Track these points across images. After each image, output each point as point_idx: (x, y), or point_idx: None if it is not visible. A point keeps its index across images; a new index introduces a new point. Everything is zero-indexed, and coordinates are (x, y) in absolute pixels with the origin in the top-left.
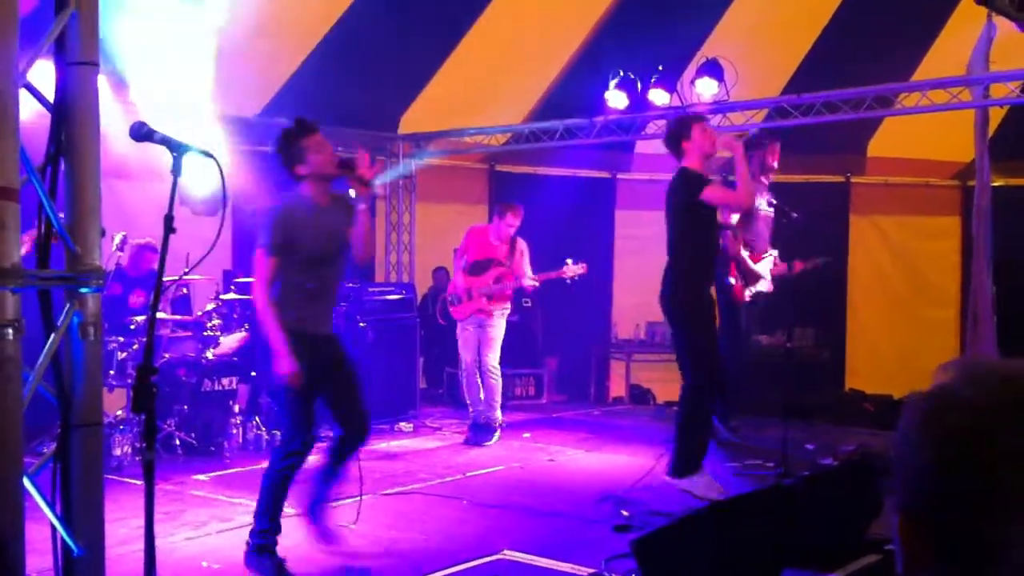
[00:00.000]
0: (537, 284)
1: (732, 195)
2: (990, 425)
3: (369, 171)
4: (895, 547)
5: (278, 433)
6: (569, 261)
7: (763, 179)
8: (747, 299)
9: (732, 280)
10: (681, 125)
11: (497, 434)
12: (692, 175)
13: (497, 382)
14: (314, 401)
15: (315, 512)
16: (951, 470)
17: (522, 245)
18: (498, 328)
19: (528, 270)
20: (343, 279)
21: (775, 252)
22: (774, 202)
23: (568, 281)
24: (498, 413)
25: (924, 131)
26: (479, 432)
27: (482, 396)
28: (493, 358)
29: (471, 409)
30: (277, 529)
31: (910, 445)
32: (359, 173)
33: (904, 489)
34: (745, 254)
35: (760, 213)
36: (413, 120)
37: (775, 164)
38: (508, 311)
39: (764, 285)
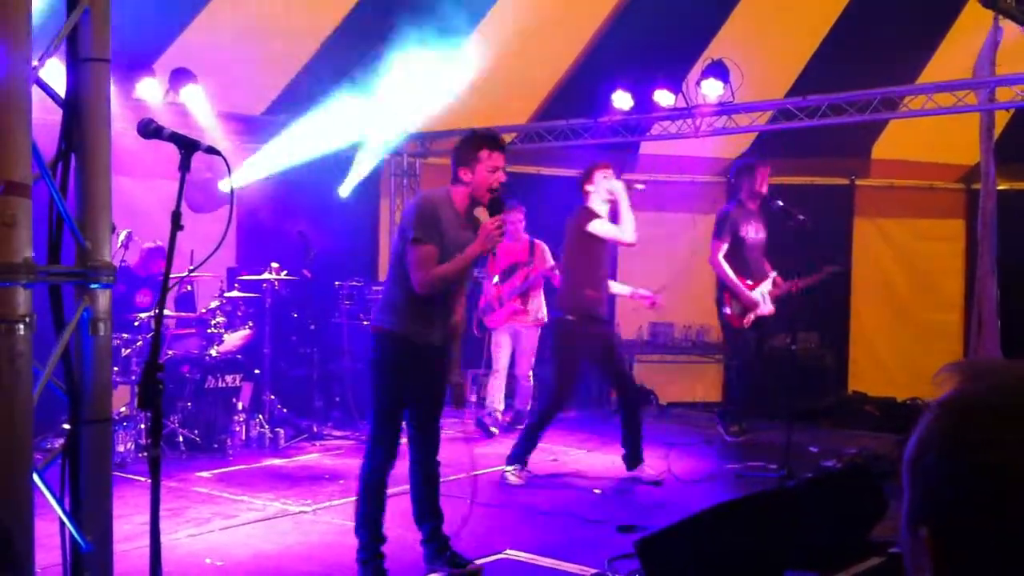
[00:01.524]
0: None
1: (617, 232)
2: (1014, 430)
3: (490, 231)
4: (903, 553)
5: (281, 431)
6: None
7: (750, 205)
8: (746, 325)
9: (728, 310)
10: (586, 172)
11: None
12: (588, 210)
13: (530, 385)
14: (403, 412)
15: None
16: (975, 476)
17: (542, 246)
18: (532, 340)
19: (547, 268)
20: (455, 297)
21: (774, 274)
22: (760, 232)
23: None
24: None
25: (929, 134)
26: (486, 429)
27: (498, 402)
28: (527, 367)
29: (489, 408)
30: (381, 539)
31: (931, 452)
32: (485, 225)
33: (923, 497)
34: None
35: (748, 240)
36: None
37: (763, 189)
38: (544, 317)
39: (765, 309)
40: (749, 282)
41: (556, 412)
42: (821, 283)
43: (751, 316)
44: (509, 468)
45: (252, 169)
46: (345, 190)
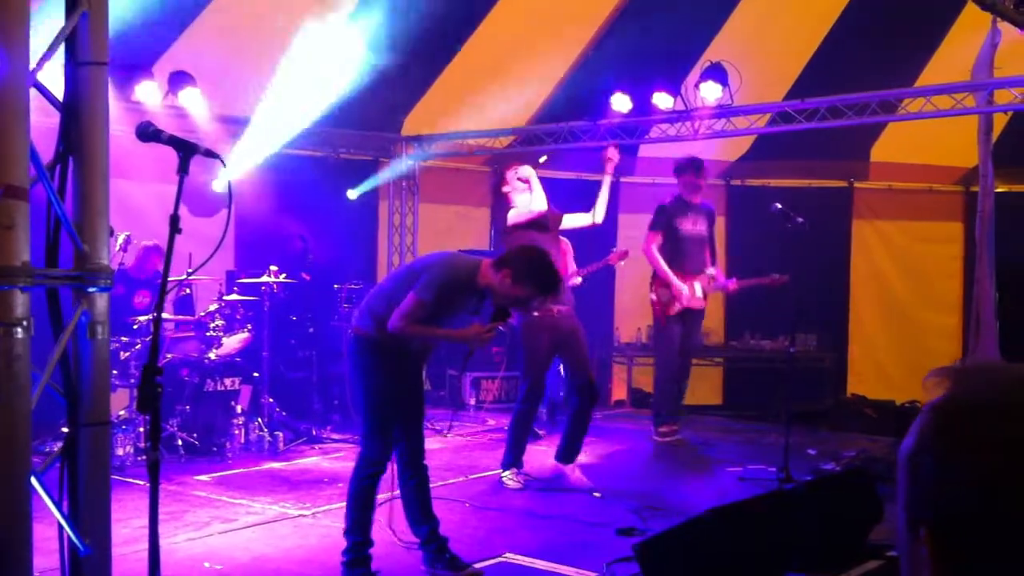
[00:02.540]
0: (580, 281)
1: (529, 210)
2: (1007, 429)
3: (482, 335)
4: (901, 555)
5: (280, 435)
6: (614, 249)
7: (691, 199)
8: (671, 314)
9: (653, 296)
10: (498, 178)
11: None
12: (506, 207)
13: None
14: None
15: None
16: (969, 476)
17: (566, 244)
18: None
19: (573, 267)
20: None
21: (712, 269)
22: (698, 225)
23: (615, 268)
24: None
25: (928, 136)
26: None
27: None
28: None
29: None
30: (368, 543)
31: (930, 454)
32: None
33: (920, 498)
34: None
35: (683, 233)
36: (417, 121)
37: (697, 186)
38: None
39: (691, 302)
40: (680, 275)
41: (534, 408)
42: (765, 288)
43: (676, 306)
44: (506, 473)
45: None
46: (354, 193)
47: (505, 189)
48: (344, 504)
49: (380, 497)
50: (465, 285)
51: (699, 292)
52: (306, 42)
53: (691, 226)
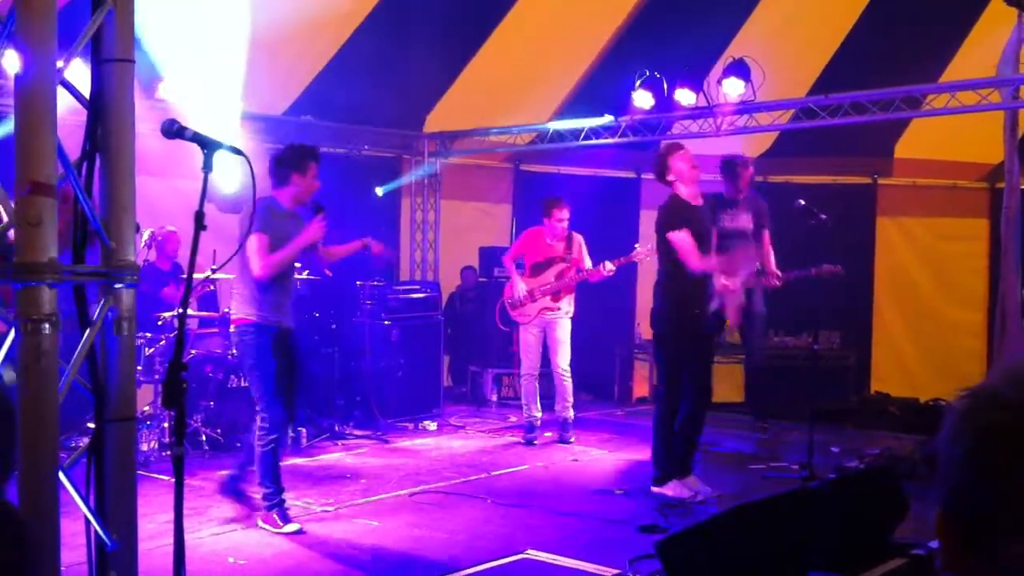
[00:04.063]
0: (613, 271)
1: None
2: None
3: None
4: (937, 542)
5: (303, 431)
6: (637, 246)
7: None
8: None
9: None
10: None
11: (572, 435)
12: None
13: (569, 383)
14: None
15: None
16: (990, 467)
17: (579, 239)
18: (564, 330)
19: (588, 262)
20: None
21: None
22: (735, 222)
23: (638, 263)
24: (571, 412)
25: (952, 132)
26: (533, 431)
27: (535, 409)
28: (564, 360)
29: (526, 413)
30: (282, 488)
31: (951, 442)
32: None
33: (945, 487)
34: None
35: (720, 231)
36: (438, 119)
37: (731, 182)
38: (572, 312)
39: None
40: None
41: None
42: (814, 280)
43: (714, 304)
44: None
45: None
46: (382, 191)
47: (670, 178)
48: (367, 500)
49: None
50: (274, 212)
51: (738, 289)
52: (329, 40)
53: (729, 222)
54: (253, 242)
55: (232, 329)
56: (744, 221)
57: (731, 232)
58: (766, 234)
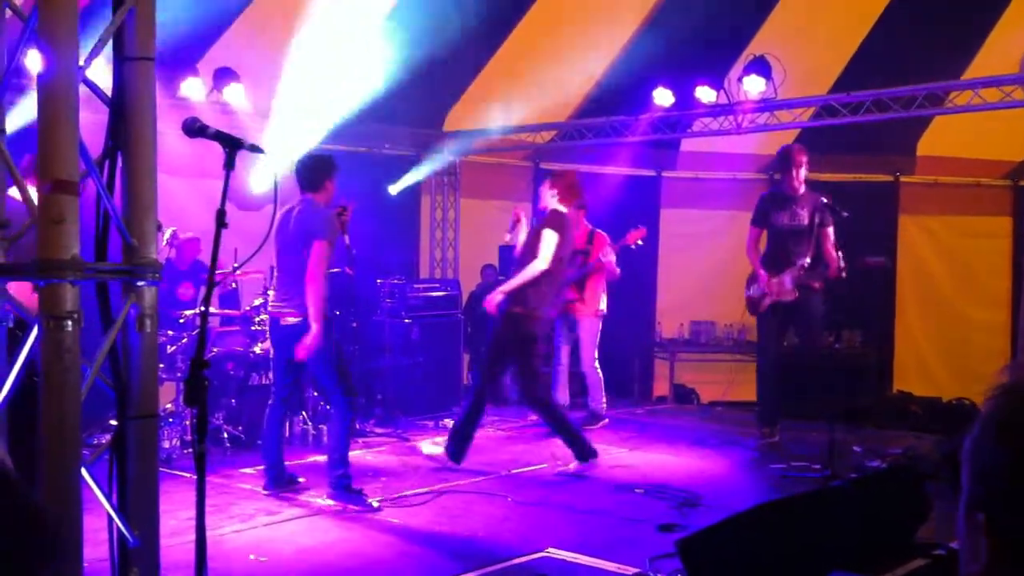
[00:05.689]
0: (613, 259)
1: None
2: None
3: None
4: (960, 539)
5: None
6: (631, 230)
7: (786, 192)
8: (763, 310)
9: (746, 292)
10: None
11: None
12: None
13: (598, 378)
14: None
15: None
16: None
17: (602, 235)
18: (590, 330)
19: (611, 257)
20: None
21: (806, 261)
22: (793, 219)
23: (633, 247)
24: (603, 404)
25: (975, 130)
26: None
27: (562, 398)
28: (590, 357)
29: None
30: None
31: (984, 442)
32: None
33: (975, 486)
34: None
35: (776, 227)
36: (458, 117)
37: (787, 178)
38: (603, 311)
39: (784, 296)
40: (774, 268)
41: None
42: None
43: (767, 301)
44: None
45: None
46: (395, 189)
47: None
48: (387, 497)
49: None
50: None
51: (788, 285)
52: (348, 38)
53: (787, 219)
54: (324, 249)
55: (292, 321)
56: (801, 218)
57: (787, 230)
58: (826, 231)
